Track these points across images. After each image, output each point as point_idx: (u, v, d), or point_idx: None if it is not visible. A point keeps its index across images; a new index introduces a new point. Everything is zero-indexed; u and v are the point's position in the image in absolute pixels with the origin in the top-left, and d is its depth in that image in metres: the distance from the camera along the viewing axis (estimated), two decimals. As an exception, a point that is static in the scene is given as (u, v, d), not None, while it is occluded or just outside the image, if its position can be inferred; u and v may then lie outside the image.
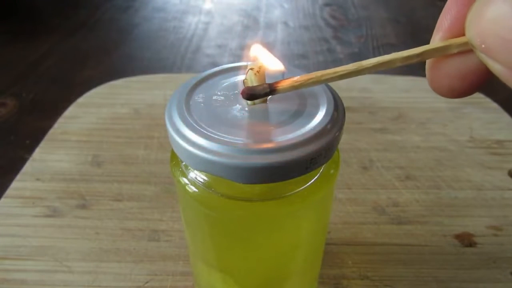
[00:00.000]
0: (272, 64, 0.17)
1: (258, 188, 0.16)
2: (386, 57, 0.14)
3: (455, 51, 0.13)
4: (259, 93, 0.15)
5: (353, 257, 0.27)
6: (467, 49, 0.13)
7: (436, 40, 0.14)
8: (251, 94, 0.16)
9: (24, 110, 0.44)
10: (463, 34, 0.13)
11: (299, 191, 0.16)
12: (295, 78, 0.15)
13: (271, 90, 0.15)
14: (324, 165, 0.16)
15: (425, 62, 0.15)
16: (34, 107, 0.45)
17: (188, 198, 0.17)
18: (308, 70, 0.16)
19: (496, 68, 0.12)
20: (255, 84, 0.16)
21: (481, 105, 0.41)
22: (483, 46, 0.12)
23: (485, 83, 0.13)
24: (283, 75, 0.16)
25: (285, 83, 0.15)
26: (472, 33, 0.12)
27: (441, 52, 0.13)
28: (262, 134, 0.15)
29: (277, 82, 0.15)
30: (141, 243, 0.28)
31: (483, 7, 0.11)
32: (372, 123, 0.39)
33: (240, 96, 0.16)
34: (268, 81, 0.16)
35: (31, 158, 0.36)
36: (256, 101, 0.16)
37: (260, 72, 0.16)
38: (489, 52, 0.11)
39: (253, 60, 0.17)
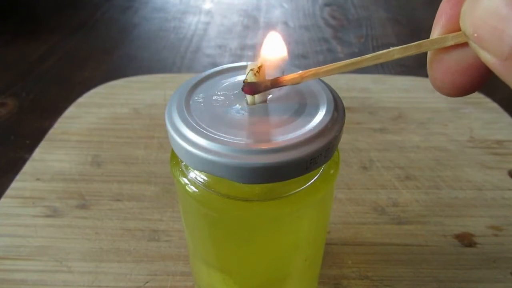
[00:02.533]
0: (278, 55, 0.17)
1: (258, 188, 0.16)
2: (385, 50, 0.14)
3: (452, 42, 0.13)
4: (260, 87, 0.16)
5: (353, 257, 0.27)
6: (464, 41, 0.13)
7: (434, 36, 0.14)
8: (252, 88, 0.16)
9: (24, 110, 0.44)
10: (459, 30, 0.13)
11: (299, 191, 0.16)
12: (295, 73, 0.15)
13: (272, 84, 0.15)
14: (324, 165, 0.16)
15: (425, 62, 0.15)
16: (34, 107, 0.45)
17: (188, 198, 0.17)
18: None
19: (487, 58, 0.12)
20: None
21: (481, 105, 0.41)
22: (475, 35, 0.12)
23: (487, 78, 0.13)
24: (282, 73, 0.16)
25: (285, 77, 0.15)
26: (466, 23, 0.12)
27: (438, 44, 0.13)
28: (262, 134, 0.15)
29: (278, 77, 0.16)
30: (141, 243, 0.28)
31: None
32: (372, 123, 0.39)
33: (242, 94, 0.16)
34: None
35: (31, 158, 0.36)
36: (256, 100, 0.16)
37: (260, 72, 0.16)
38: (481, 42, 0.12)
39: (265, 47, 0.17)
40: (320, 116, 0.16)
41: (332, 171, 0.18)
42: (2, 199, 0.32)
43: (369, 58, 0.14)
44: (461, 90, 0.14)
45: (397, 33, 0.61)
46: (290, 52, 0.16)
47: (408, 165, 0.35)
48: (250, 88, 0.16)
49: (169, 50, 0.57)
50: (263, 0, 0.73)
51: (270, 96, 0.17)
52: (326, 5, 0.72)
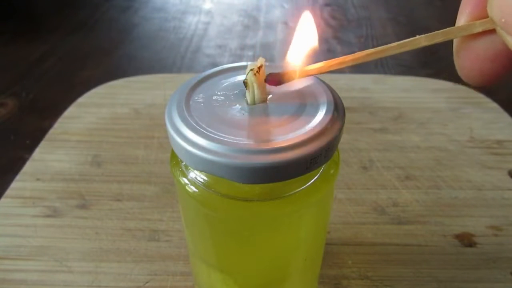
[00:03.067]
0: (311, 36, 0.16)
1: (258, 188, 0.16)
2: (411, 39, 0.14)
3: (480, 29, 0.13)
4: (284, 77, 0.16)
5: (353, 257, 0.27)
6: (491, 27, 0.13)
7: (461, 23, 0.13)
8: (276, 79, 0.16)
9: (24, 110, 0.44)
10: (486, 17, 0.13)
11: (299, 191, 0.16)
12: (321, 62, 0.15)
13: (299, 74, 0.16)
14: (324, 165, 0.16)
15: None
16: (34, 107, 0.45)
17: (188, 198, 0.17)
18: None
19: None
20: (255, 84, 0.16)
21: (481, 105, 0.41)
22: (503, 20, 0.11)
23: None
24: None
25: (311, 68, 0.15)
26: (494, 9, 0.12)
27: (466, 31, 0.13)
28: (262, 134, 0.15)
29: (304, 68, 0.16)
30: (141, 243, 0.28)
31: None
32: (372, 123, 0.39)
33: (242, 94, 0.16)
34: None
35: (31, 158, 0.36)
36: (256, 100, 0.16)
37: (260, 73, 0.16)
38: (509, 28, 0.11)
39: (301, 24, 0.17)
40: (320, 116, 0.16)
41: (332, 171, 0.18)
42: (2, 199, 0.32)
43: (395, 46, 0.14)
44: (490, 77, 0.13)
45: (397, 33, 0.61)
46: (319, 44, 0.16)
47: (408, 165, 0.35)
48: (273, 79, 0.16)
49: (169, 50, 0.57)
50: (263, 0, 0.73)
51: (270, 96, 0.17)
52: (326, 5, 0.72)
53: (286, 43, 0.17)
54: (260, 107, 0.16)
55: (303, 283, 0.23)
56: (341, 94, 0.17)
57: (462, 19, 0.13)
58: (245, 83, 0.16)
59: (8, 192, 0.32)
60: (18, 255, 0.28)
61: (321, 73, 0.15)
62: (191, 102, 0.16)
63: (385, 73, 0.50)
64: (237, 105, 0.16)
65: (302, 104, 0.16)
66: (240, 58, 0.55)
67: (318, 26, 0.17)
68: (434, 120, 0.39)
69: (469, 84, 0.14)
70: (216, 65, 0.22)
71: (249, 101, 0.16)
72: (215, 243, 0.19)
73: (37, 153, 0.36)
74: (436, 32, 0.13)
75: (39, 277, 0.26)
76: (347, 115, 0.17)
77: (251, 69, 0.16)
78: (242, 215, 0.17)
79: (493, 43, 0.13)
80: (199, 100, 0.17)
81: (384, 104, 0.42)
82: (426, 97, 0.43)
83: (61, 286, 0.26)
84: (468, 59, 0.14)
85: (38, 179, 0.33)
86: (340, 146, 0.17)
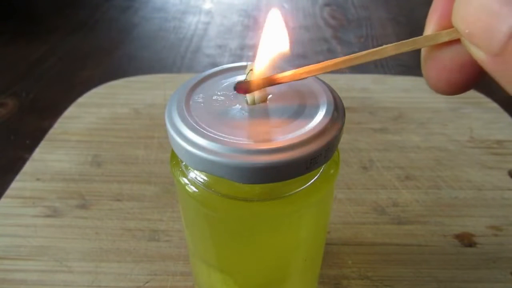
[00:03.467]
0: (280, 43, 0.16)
1: (258, 188, 0.16)
2: (378, 48, 0.14)
3: (446, 39, 0.13)
4: (252, 86, 0.16)
5: (353, 257, 0.27)
6: (457, 37, 0.13)
7: (428, 33, 0.14)
8: (245, 88, 0.16)
9: (24, 110, 0.44)
10: (452, 27, 0.13)
11: (299, 191, 0.16)
12: (289, 71, 0.15)
13: (265, 83, 0.15)
14: (324, 165, 0.16)
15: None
16: (34, 107, 0.45)
17: (188, 198, 0.17)
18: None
19: (478, 55, 0.11)
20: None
21: (481, 105, 0.41)
22: (467, 31, 0.11)
23: (482, 75, 0.13)
24: (279, 70, 0.16)
25: (278, 76, 0.15)
26: (457, 20, 0.12)
27: (433, 41, 0.13)
28: (262, 134, 0.15)
29: (270, 76, 0.15)
30: (141, 243, 0.28)
31: None
32: (372, 123, 0.39)
33: (240, 94, 0.16)
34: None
35: (31, 158, 0.36)
36: (256, 100, 0.16)
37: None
38: (472, 38, 0.11)
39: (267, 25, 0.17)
40: (320, 116, 0.16)
41: (332, 171, 0.18)
42: (2, 199, 0.32)
43: (364, 55, 0.14)
44: (457, 88, 0.13)
45: (397, 33, 0.61)
46: (291, 48, 0.16)
47: (408, 165, 0.35)
48: (242, 87, 0.16)
49: (169, 50, 0.57)
50: (263, 0, 0.73)
51: (270, 96, 0.17)
52: (326, 5, 0.72)
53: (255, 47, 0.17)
54: (260, 107, 0.16)
55: (303, 283, 0.23)
56: (341, 94, 0.17)
57: (429, 28, 0.13)
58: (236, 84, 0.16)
59: (8, 192, 0.32)
60: (18, 255, 0.28)
61: (291, 81, 0.15)
62: (191, 102, 0.16)
63: (385, 73, 0.50)
64: (237, 105, 0.16)
65: (302, 104, 0.16)
66: (240, 58, 0.55)
67: (287, 27, 0.16)
68: (434, 120, 0.39)
69: (437, 93, 0.14)
70: (216, 65, 0.22)
71: (249, 101, 0.16)
72: (215, 243, 0.19)
73: (37, 153, 0.36)
74: (403, 41, 0.14)
75: (39, 277, 0.26)
76: (347, 115, 0.17)
77: (251, 69, 0.16)
78: (242, 215, 0.17)
79: (460, 53, 0.13)
80: (199, 100, 0.17)
81: (384, 104, 0.42)
82: (426, 97, 0.43)
83: (61, 286, 0.26)
84: (435, 69, 0.14)
85: (38, 179, 0.33)
86: (340, 146, 0.17)
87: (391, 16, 0.67)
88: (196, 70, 0.52)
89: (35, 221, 0.30)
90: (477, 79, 0.13)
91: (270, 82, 0.15)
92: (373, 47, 0.14)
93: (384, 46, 0.14)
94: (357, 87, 0.44)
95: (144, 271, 0.27)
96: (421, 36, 0.13)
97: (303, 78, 0.15)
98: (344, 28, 0.63)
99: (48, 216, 0.30)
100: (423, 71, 0.14)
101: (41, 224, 0.30)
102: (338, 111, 0.16)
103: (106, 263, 0.27)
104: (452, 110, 0.41)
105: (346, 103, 0.17)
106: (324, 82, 0.18)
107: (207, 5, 0.71)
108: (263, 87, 0.16)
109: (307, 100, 0.17)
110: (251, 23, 0.65)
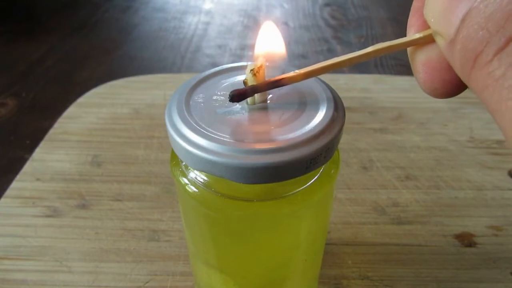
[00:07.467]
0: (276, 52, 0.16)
1: (258, 188, 0.16)
2: (365, 49, 0.14)
3: (420, 35, 0.13)
4: (246, 94, 0.16)
5: (353, 257, 0.27)
6: (430, 32, 0.13)
7: None
8: (240, 95, 0.15)
9: (24, 110, 0.44)
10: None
11: (299, 191, 0.16)
12: (276, 77, 0.15)
13: (253, 90, 0.15)
14: (324, 165, 0.16)
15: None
16: (34, 107, 0.45)
17: (188, 198, 0.17)
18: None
19: (440, 43, 0.11)
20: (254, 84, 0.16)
21: (481, 105, 0.41)
22: (432, 20, 0.11)
23: None
24: (283, 71, 0.16)
25: (267, 82, 0.15)
26: (427, 10, 0.12)
27: (409, 43, 0.13)
28: (262, 134, 0.15)
29: (257, 84, 0.15)
30: (141, 243, 0.28)
31: None
32: (372, 123, 0.39)
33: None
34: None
35: (31, 158, 0.36)
36: (256, 100, 0.16)
37: (260, 73, 0.16)
38: (435, 26, 0.11)
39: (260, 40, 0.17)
40: (320, 116, 0.16)
41: (332, 171, 0.18)
42: (2, 199, 0.32)
43: (350, 59, 0.14)
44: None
45: (397, 33, 0.61)
46: (290, 52, 0.16)
47: (408, 165, 0.35)
48: (237, 95, 0.15)
49: (169, 50, 0.57)
50: (263, 0, 0.73)
51: (270, 96, 0.17)
52: (326, 5, 0.72)
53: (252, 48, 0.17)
54: (260, 107, 0.16)
55: (303, 283, 0.23)
56: (341, 94, 0.17)
57: (410, 32, 0.14)
58: (244, 83, 0.16)
59: (8, 192, 0.32)
60: (18, 255, 0.28)
61: (278, 87, 0.15)
62: (191, 102, 0.17)
63: (385, 73, 0.50)
64: (237, 105, 0.16)
65: (302, 104, 0.16)
66: (240, 58, 0.55)
67: (282, 33, 0.17)
68: (434, 120, 0.39)
69: (435, 97, 0.14)
70: (216, 65, 0.22)
71: (249, 101, 0.16)
72: (215, 243, 0.19)
73: (37, 153, 0.36)
74: (386, 45, 0.14)
75: (39, 277, 0.26)
76: (347, 115, 0.17)
77: (251, 69, 0.16)
78: (242, 215, 0.17)
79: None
80: (199, 100, 0.17)
81: (384, 104, 0.42)
82: (426, 97, 0.42)
83: (61, 286, 0.26)
84: (426, 72, 0.13)
85: (38, 179, 0.33)
86: (340, 146, 0.17)
87: (391, 16, 0.67)
88: (196, 70, 0.52)
89: (35, 221, 0.30)
90: None
91: (266, 87, 0.16)
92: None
93: (370, 49, 0.14)
94: (357, 87, 0.44)
95: (144, 271, 0.27)
96: (397, 39, 0.14)
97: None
98: (344, 28, 0.63)
99: (48, 216, 0.30)
100: (416, 77, 0.14)
101: (41, 224, 0.30)
102: (338, 111, 0.16)
103: (106, 263, 0.27)
104: (452, 110, 0.41)
105: (346, 103, 0.17)
106: (324, 82, 0.18)
107: (207, 5, 0.71)
108: (252, 95, 0.16)
109: (307, 100, 0.17)
110: (251, 23, 0.65)
